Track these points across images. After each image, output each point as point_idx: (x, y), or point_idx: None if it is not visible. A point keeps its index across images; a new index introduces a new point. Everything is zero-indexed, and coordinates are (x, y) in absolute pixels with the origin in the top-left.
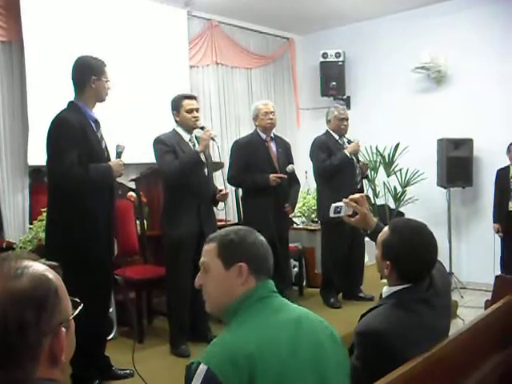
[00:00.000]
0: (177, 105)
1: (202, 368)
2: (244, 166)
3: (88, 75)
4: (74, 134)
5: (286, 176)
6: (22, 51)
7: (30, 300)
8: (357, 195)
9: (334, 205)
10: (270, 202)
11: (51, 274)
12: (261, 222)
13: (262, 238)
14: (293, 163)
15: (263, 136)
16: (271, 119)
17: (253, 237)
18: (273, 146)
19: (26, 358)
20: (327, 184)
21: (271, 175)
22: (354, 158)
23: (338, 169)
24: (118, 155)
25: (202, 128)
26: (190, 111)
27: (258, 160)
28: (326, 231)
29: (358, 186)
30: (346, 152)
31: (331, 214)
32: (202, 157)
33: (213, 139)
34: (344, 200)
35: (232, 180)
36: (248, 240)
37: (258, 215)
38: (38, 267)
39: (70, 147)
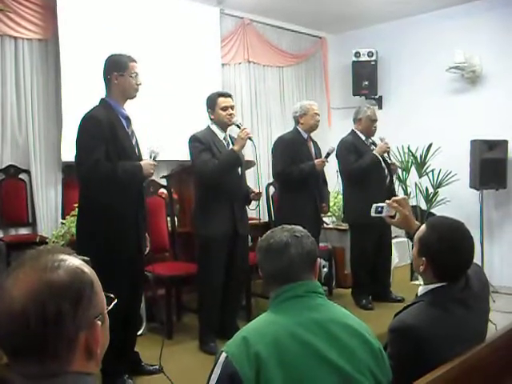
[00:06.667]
0: (212, 103)
1: (223, 356)
2: (290, 162)
3: (110, 72)
4: (101, 130)
5: (327, 160)
6: (57, 49)
7: (67, 292)
8: (400, 197)
9: (375, 205)
10: (309, 199)
11: (86, 268)
12: (300, 220)
13: (293, 238)
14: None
15: (304, 135)
16: (318, 120)
17: (282, 248)
18: (311, 146)
19: (62, 350)
20: (355, 186)
21: (316, 160)
22: (382, 158)
23: (367, 171)
24: (153, 159)
25: (239, 126)
26: (225, 109)
27: (301, 159)
28: (354, 233)
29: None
30: (375, 153)
31: (372, 214)
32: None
33: (250, 139)
34: (387, 201)
35: (280, 175)
36: (272, 253)
37: (296, 213)
38: (74, 261)
39: (97, 144)
